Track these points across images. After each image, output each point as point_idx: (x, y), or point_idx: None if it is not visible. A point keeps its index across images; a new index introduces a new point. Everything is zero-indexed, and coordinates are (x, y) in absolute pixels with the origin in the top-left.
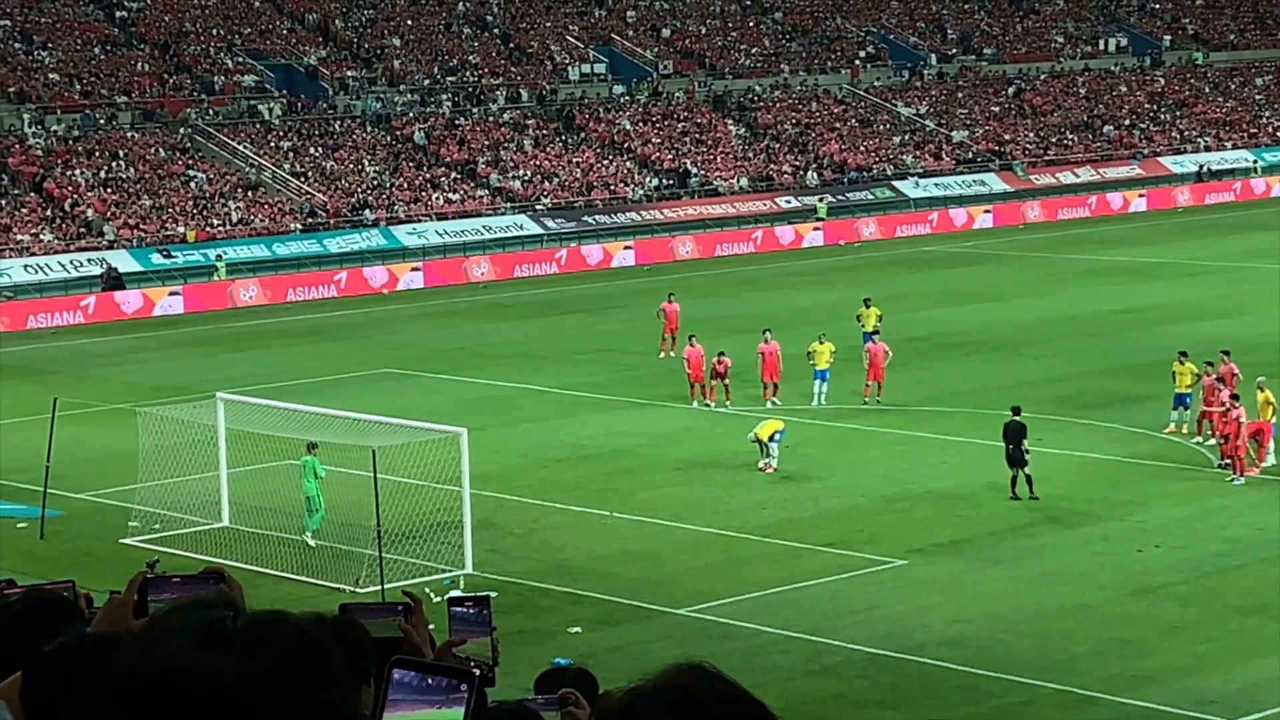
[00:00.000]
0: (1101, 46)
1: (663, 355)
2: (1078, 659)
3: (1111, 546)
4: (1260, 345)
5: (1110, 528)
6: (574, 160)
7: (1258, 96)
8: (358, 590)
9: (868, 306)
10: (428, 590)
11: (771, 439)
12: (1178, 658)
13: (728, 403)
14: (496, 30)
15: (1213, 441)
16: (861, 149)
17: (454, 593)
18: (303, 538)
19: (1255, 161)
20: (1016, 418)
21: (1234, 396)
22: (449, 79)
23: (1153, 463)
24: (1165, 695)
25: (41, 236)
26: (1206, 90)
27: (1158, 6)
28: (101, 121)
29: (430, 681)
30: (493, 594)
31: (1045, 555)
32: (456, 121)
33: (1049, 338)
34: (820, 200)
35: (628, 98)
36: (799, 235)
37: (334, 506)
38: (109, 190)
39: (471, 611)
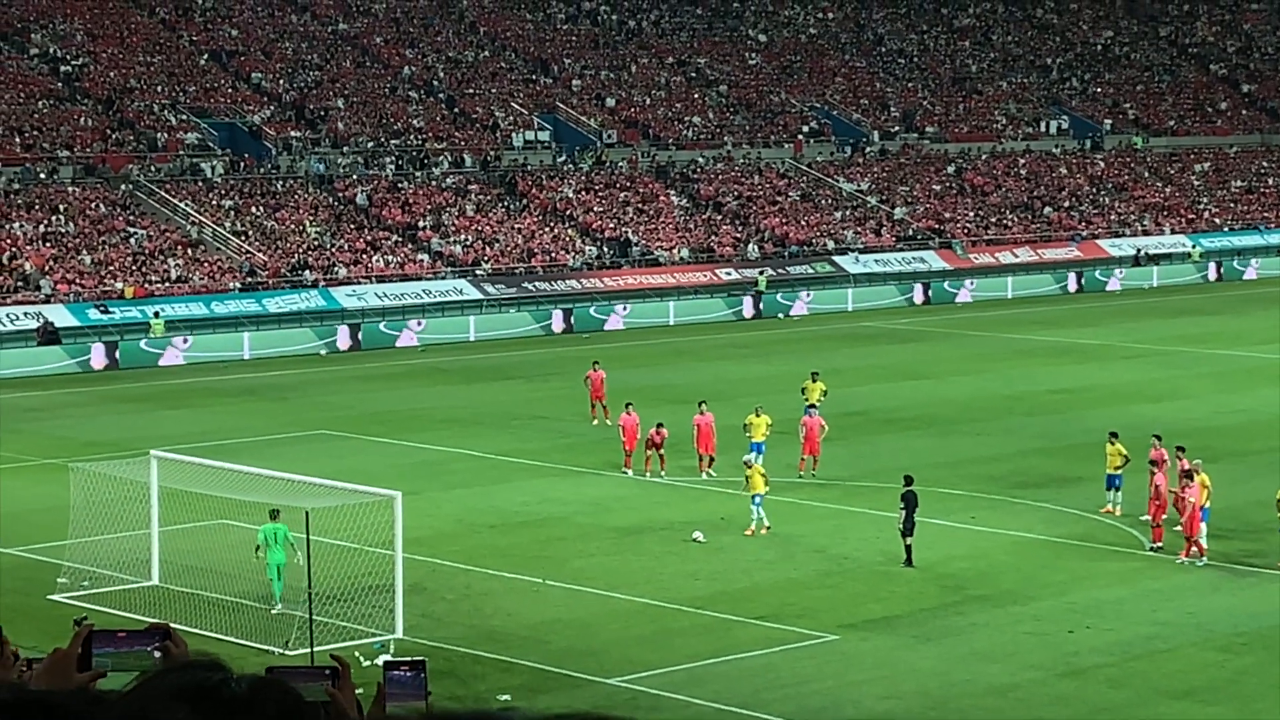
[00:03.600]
0: (1043, 128)
1: (595, 422)
2: None
3: (1042, 626)
4: (1194, 430)
5: (1041, 608)
6: (515, 226)
7: (1196, 182)
8: (286, 652)
9: (814, 380)
10: (357, 654)
11: (755, 499)
12: None
13: (662, 473)
14: (442, 95)
15: (1145, 518)
16: (803, 223)
17: (385, 657)
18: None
19: (1193, 246)
20: (911, 487)
21: (1187, 474)
22: (393, 142)
23: (1084, 544)
24: None
25: None
26: (1145, 175)
27: (1099, 91)
28: (43, 175)
29: None
30: (424, 659)
31: (976, 634)
32: (399, 184)
33: (984, 416)
34: (761, 273)
35: (571, 166)
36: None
37: (265, 567)
38: (48, 244)
39: (408, 675)
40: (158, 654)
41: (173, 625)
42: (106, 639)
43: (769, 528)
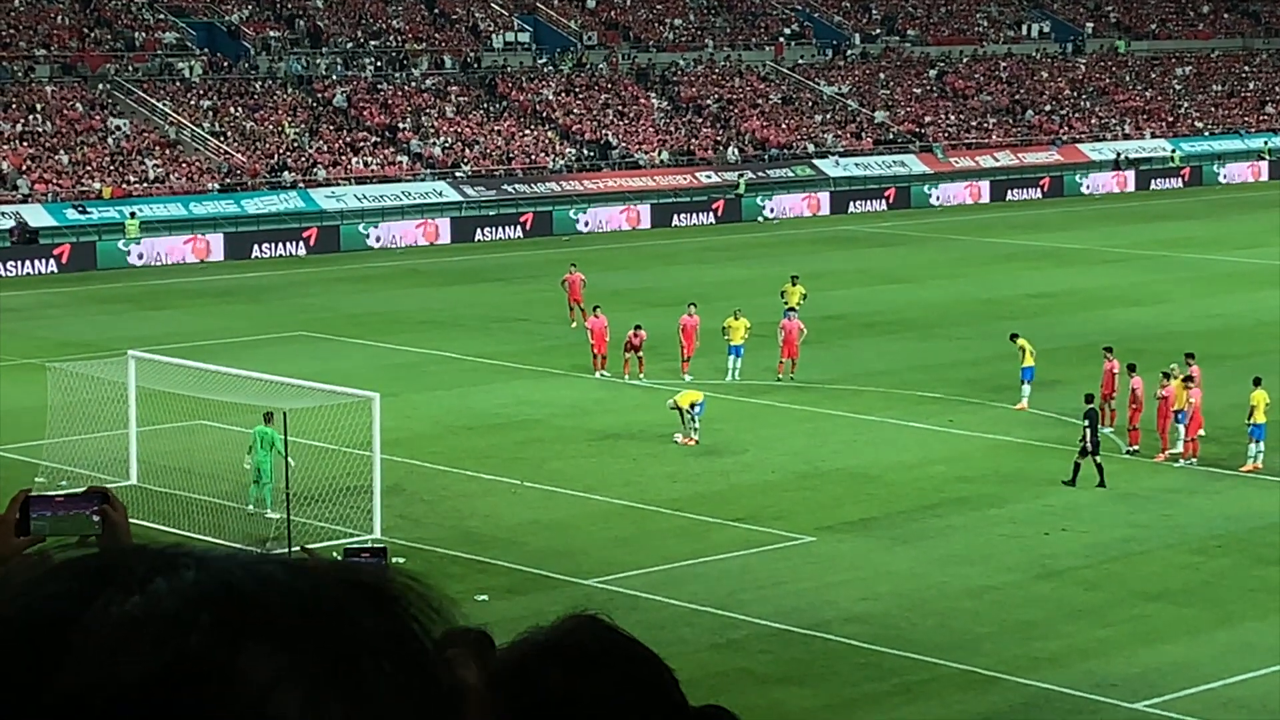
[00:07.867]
0: (1024, 31)
1: (573, 325)
2: (981, 639)
3: (1018, 529)
4: (1172, 334)
5: (1018, 510)
6: (495, 128)
7: (1177, 86)
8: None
9: (794, 284)
10: (335, 555)
11: (692, 409)
12: (1081, 641)
13: (641, 375)
14: None
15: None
16: (783, 126)
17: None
18: (262, 512)
19: (1173, 151)
20: (1093, 404)
21: (1166, 375)
22: (372, 43)
23: (1061, 447)
24: (1067, 677)
25: None
26: (1127, 79)
27: None
28: (19, 74)
29: None
30: (401, 560)
31: (953, 536)
32: (378, 86)
33: (963, 320)
34: (740, 176)
35: (551, 68)
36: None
37: (243, 468)
38: (25, 144)
39: (369, 563)
40: (96, 517)
41: (152, 525)
42: (44, 503)
43: (696, 441)
